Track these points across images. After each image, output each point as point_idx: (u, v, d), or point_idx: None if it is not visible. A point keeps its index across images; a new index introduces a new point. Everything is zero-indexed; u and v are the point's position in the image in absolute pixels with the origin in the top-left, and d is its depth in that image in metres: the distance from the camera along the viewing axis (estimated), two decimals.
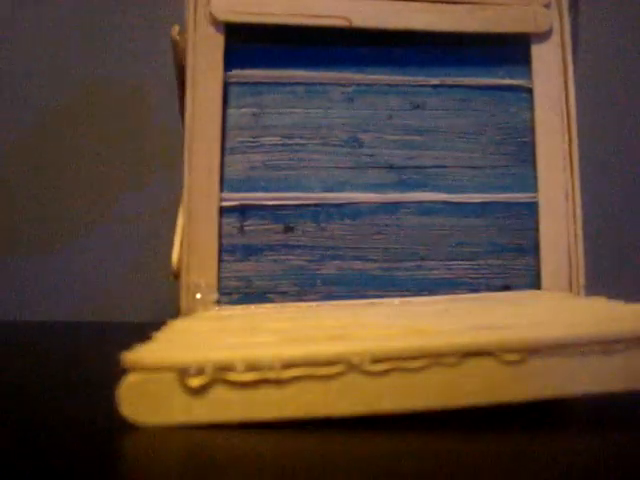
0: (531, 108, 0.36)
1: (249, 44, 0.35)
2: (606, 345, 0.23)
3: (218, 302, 0.33)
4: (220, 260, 0.34)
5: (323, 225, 0.35)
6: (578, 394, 0.23)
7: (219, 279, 0.34)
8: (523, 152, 0.36)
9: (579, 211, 0.35)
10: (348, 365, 0.23)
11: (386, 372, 0.23)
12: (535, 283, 0.35)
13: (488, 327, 0.25)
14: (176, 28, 0.35)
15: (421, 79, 0.36)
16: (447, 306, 0.32)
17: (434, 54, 0.36)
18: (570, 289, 0.35)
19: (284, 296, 0.34)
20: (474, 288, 0.35)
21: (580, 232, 0.35)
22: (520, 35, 0.36)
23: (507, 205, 0.36)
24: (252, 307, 0.34)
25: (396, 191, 0.35)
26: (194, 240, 0.33)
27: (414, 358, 0.23)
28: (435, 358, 0.23)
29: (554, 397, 0.23)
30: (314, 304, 0.34)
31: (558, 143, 0.36)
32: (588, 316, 0.27)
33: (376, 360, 0.23)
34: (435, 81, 0.36)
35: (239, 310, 0.33)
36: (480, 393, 0.23)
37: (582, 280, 0.35)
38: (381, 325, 0.27)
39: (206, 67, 0.34)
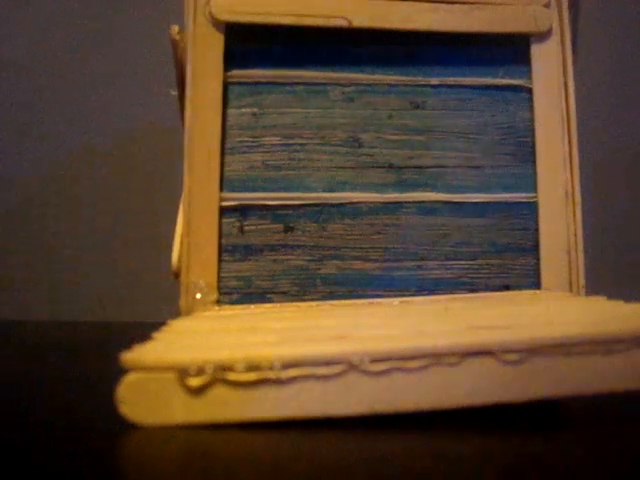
0: (531, 108, 0.36)
1: (249, 44, 0.35)
2: (606, 345, 0.23)
3: (218, 302, 0.33)
4: (220, 260, 0.34)
5: (323, 225, 0.35)
6: (578, 394, 0.23)
7: (219, 279, 0.33)
8: (523, 152, 0.36)
9: (579, 211, 0.35)
10: (348, 365, 0.23)
11: (386, 372, 0.23)
12: (535, 283, 0.35)
13: (488, 327, 0.25)
14: (176, 28, 0.35)
15: (421, 79, 0.36)
16: (447, 306, 0.32)
17: (434, 54, 0.36)
18: (570, 289, 0.35)
19: (284, 296, 0.34)
20: (474, 288, 0.35)
21: (580, 232, 0.35)
22: (520, 35, 0.36)
23: (507, 205, 0.36)
24: (252, 307, 0.34)
25: (396, 191, 0.35)
26: (194, 240, 0.33)
27: (414, 358, 0.23)
28: (435, 358, 0.23)
29: (554, 397, 0.23)
30: (314, 304, 0.34)
31: (558, 143, 0.36)
32: (588, 316, 0.27)
33: (376, 360, 0.23)
34: (435, 81, 0.36)
35: (239, 310, 0.33)
36: (480, 393, 0.23)
37: (582, 280, 0.35)
38: (381, 325, 0.27)
39: (206, 67, 0.34)
